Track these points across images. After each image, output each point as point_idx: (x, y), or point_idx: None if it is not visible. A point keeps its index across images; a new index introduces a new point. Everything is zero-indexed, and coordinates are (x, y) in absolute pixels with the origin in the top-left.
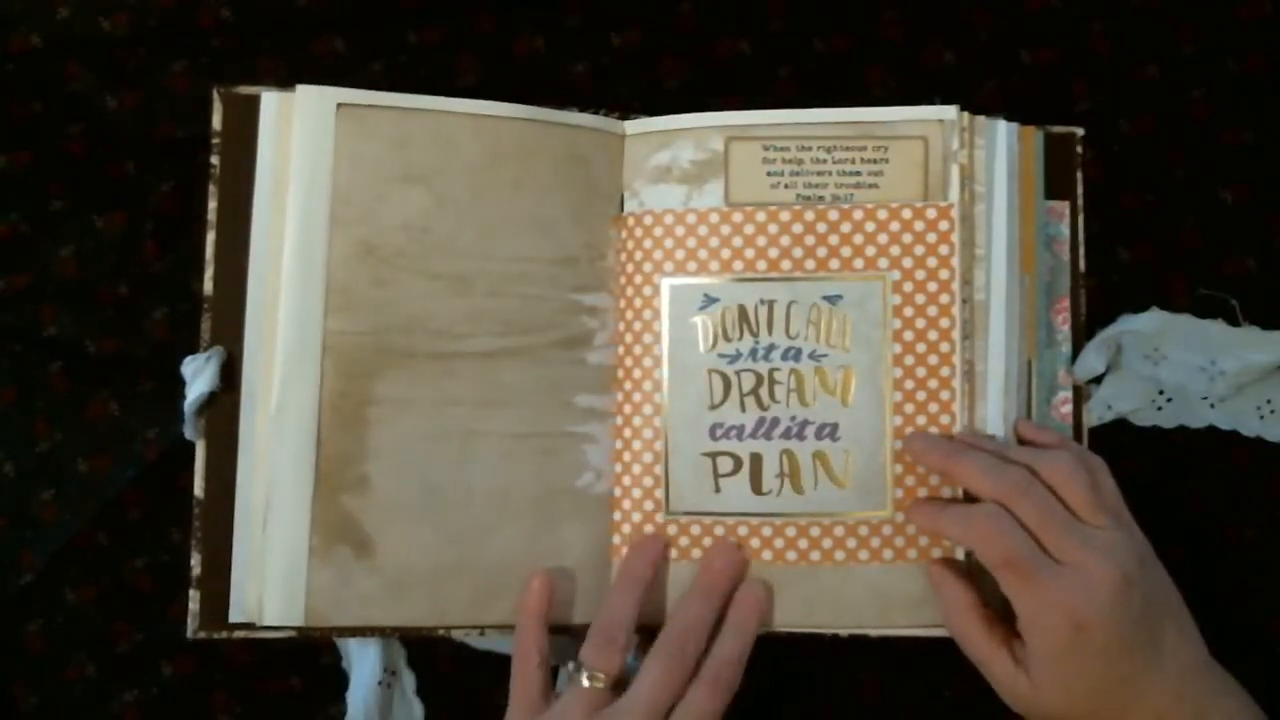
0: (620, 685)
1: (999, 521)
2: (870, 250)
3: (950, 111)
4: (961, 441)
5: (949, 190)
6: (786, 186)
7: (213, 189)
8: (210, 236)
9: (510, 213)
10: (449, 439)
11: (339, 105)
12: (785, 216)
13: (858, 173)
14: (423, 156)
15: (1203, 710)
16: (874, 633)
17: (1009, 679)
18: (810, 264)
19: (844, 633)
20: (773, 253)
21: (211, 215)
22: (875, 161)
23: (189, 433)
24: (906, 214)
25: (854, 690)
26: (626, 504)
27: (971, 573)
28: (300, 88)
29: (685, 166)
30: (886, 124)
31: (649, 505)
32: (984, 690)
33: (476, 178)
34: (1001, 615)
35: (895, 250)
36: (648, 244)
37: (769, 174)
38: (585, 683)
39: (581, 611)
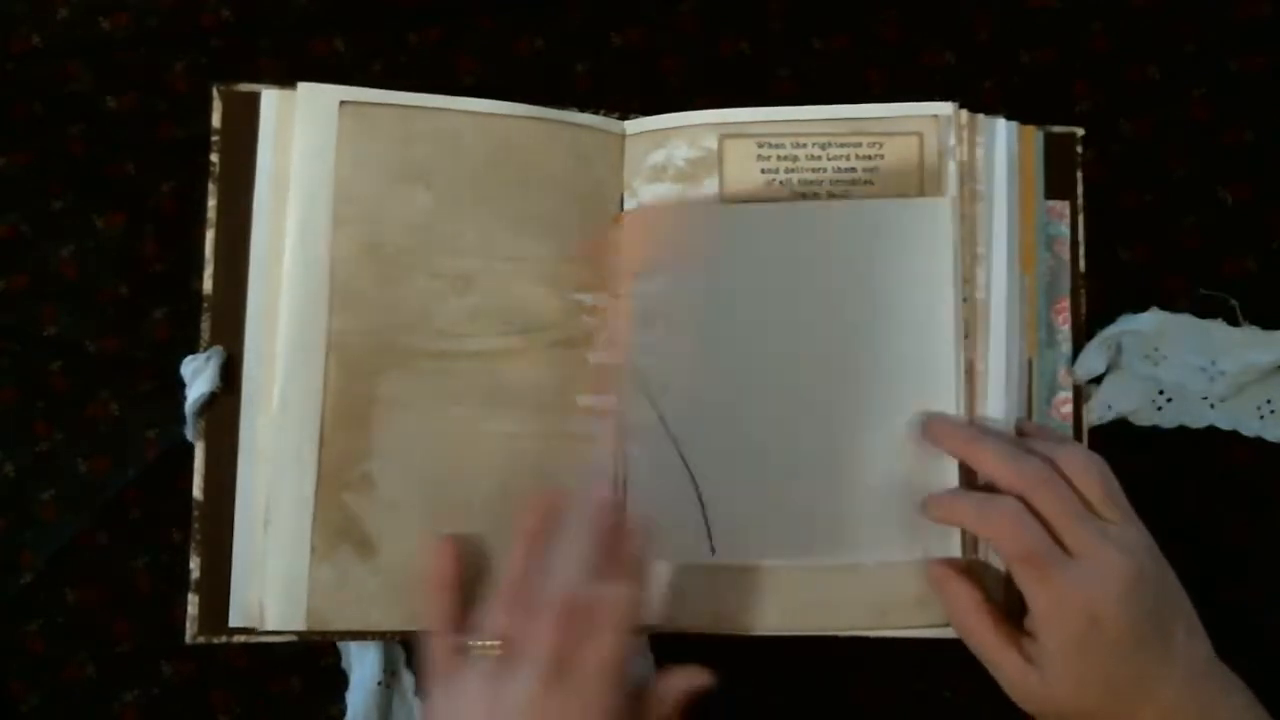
0: None
1: (1019, 515)
2: None
3: (946, 108)
4: (980, 428)
5: (945, 186)
6: (781, 184)
7: (212, 187)
8: (210, 235)
9: (513, 212)
10: (451, 438)
11: (341, 103)
12: None
13: (852, 169)
14: (425, 155)
15: (1211, 708)
16: (871, 634)
17: (1019, 676)
18: None
19: (842, 634)
20: None
21: (211, 214)
22: (870, 158)
23: (189, 433)
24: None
25: (854, 690)
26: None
27: (972, 571)
28: (302, 85)
29: (680, 165)
30: (881, 120)
31: None
32: (984, 690)
33: (479, 177)
34: (1005, 612)
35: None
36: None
37: (763, 171)
38: (483, 650)
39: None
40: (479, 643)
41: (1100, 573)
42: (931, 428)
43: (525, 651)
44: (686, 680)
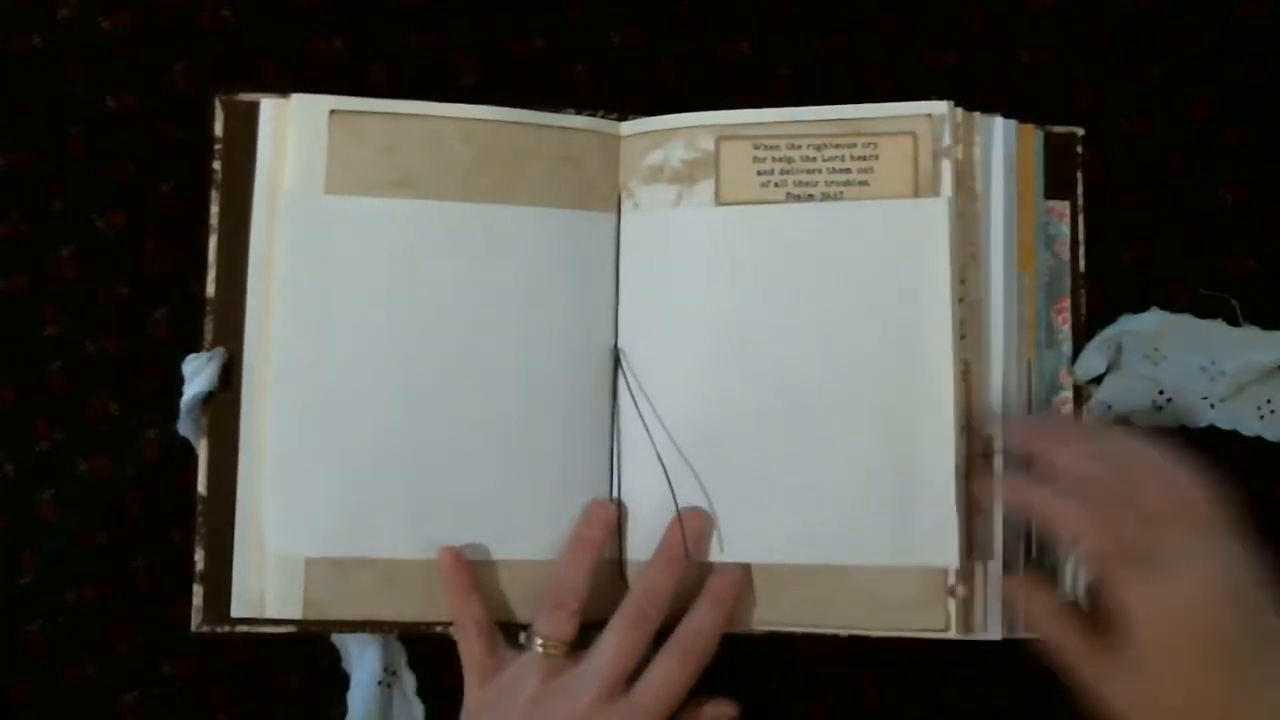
0: (577, 652)
1: (1117, 509)
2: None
3: (940, 107)
4: (1062, 420)
5: (940, 186)
6: (777, 185)
7: (214, 194)
8: (212, 241)
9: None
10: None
11: (331, 112)
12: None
13: (847, 170)
14: (410, 162)
15: None
16: (870, 634)
17: (1108, 680)
18: None
19: (843, 633)
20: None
21: (213, 220)
22: (865, 159)
23: (183, 428)
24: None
25: (854, 690)
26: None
27: (1039, 580)
28: (294, 96)
29: (676, 166)
30: (876, 120)
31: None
32: (983, 691)
33: (466, 181)
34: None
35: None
36: None
37: (759, 173)
38: (540, 650)
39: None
40: (540, 641)
41: (1200, 577)
42: (1011, 429)
43: (588, 659)
44: (715, 712)
